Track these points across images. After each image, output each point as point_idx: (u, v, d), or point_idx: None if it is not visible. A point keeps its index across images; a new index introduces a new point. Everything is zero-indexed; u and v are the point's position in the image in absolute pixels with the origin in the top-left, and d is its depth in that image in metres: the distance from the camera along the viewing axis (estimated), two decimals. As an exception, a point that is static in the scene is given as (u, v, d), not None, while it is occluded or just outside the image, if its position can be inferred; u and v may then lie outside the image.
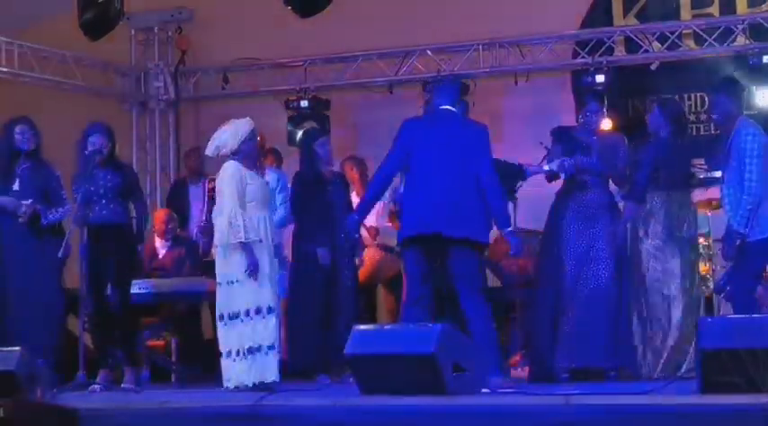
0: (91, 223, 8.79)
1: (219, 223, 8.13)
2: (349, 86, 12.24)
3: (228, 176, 8.12)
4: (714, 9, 11.59)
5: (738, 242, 7.83)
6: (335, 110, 12.28)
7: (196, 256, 10.26)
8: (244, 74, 12.56)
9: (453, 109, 7.93)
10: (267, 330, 8.00)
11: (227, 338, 8.06)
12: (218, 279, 8.17)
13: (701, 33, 11.25)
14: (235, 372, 7.98)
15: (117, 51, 12.39)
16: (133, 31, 12.81)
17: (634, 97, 11.81)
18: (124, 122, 12.33)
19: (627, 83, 11.52)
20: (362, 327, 7.43)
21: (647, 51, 11.43)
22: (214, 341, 8.37)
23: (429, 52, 11.86)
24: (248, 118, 8.34)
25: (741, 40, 11.09)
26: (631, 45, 11.56)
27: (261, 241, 8.05)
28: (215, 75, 12.71)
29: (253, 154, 8.36)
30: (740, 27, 11.09)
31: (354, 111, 12.41)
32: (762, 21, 11.02)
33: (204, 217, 9.70)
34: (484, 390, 7.00)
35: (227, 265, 8.10)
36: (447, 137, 7.78)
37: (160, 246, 10.48)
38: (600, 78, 11.15)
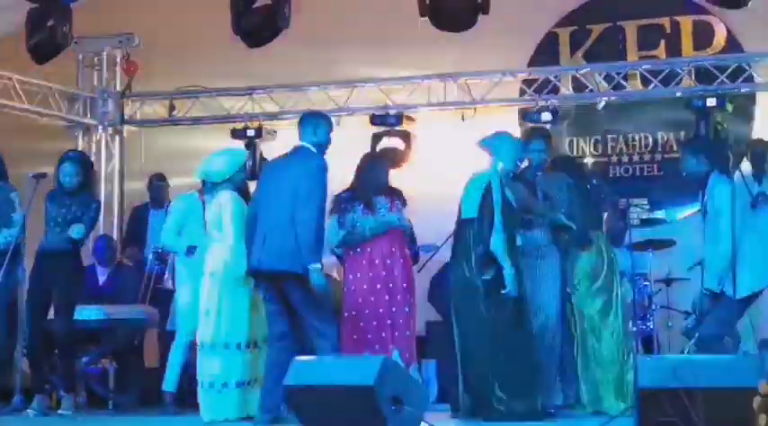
0: (40, 249, 8.75)
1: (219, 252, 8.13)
2: (296, 116, 12.18)
3: (231, 205, 8.16)
4: (660, 51, 11.72)
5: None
6: (281, 139, 12.26)
7: (139, 283, 10.19)
8: (191, 101, 12.51)
9: (308, 144, 7.85)
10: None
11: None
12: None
13: (646, 75, 11.35)
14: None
15: (64, 75, 12.31)
16: (81, 56, 12.73)
17: (579, 136, 11.90)
18: (70, 146, 12.21)
19: (574, 122, 11.59)
20: (302, 358, 7.40)
21: (593, 91, 11.51)
22: (158, 370, 8.31)
23: (376, 85, 11.87)
24: (243, 147, 8.40)
25: (686, 83, 11.20)
26: (578, 84, 11.65)
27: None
28: (161, 101, 12.66)
29: (242, 185, 8.41)
30: (685, 70, 11.21)
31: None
32: (707, 64, 11.14)
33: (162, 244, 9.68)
34: (423, 424, 6.98)
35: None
36: (285, 174, 7.77)
37: (99, 273, 10.39)
38: (546, 116, 11.21)
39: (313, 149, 7.82)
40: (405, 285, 8.85)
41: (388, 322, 8.72)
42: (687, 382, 5.92)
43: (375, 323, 8.69)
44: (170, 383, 8.88)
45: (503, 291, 7.83)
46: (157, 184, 11.21)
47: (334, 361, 7.53)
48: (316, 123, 7.95)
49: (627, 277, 9.98)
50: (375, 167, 9.07)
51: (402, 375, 7.19)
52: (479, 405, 7.84)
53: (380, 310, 8.73)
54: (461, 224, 8.11)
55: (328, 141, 7.95)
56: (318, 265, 7.56)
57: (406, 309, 8.83)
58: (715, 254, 8.12)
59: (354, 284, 8.78)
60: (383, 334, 8.69)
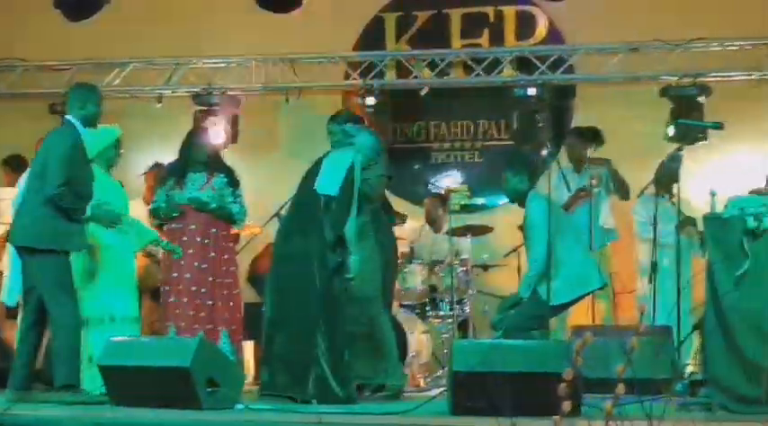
0: None
1: None
2: (118, 94, 12.01)
3: None
4: (483, 40, 11.87)
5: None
6: (103, 117, 12.03)
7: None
8: (9, 74, 12.19)
9: (73, 118, 7.73)
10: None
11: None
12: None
13: (469, 62, 11.49)
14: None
15: None
16: None
17: (402, 122, 11.98)
18: None
19: (397, 107, 11.66)
20: (117, 338, 7.31)
21: (417, 77, 11.59)
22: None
23: (201, 64, 11.76)
24: (118, 125, 8.24)
25: (508, 72, 11.37)
26: (402, 70, 11.72)
27: None
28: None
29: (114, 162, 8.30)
30: (507, 58, 11.37)
31: (122, 120, 12.19)
32: (528, 53, 11.32)
33: None
34: (238, 406, 6.95)
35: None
36: (42, 148, 7.72)
37: None
38: (370, 100, 11.25)
39: (76, 123, 7.70)
40: (223, 268, 8.80)
41: (209, 302, 8.66)
42: (497, 367, 6.01)
43: (196, 300, 8.62)
44: None
45: (347, 276, 7.84)
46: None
47: (149, 342, 7.47)
48: (85, 96, 7.83)
49: (445, 262, 10.14)
50: (192, 143, 9.00)
51: (218, 356, 7.16)
52: (296, 384, 7.66)
53: (201, 289, 8.67)
54: (314, 197, 7.91)
55: (97, 114, 7.84)
56: None
57: (224, 291, 8.78)
58: (530, 266, 8.48)
59: (170, 258, 8.68)
60: (202, 314, 8.63)
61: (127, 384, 6.90)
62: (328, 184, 7.90)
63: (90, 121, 7.78)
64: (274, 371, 7.73)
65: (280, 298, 7.87)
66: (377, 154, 8.26)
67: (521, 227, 8.76)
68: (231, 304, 8.83)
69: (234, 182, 8.99)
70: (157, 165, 10.10)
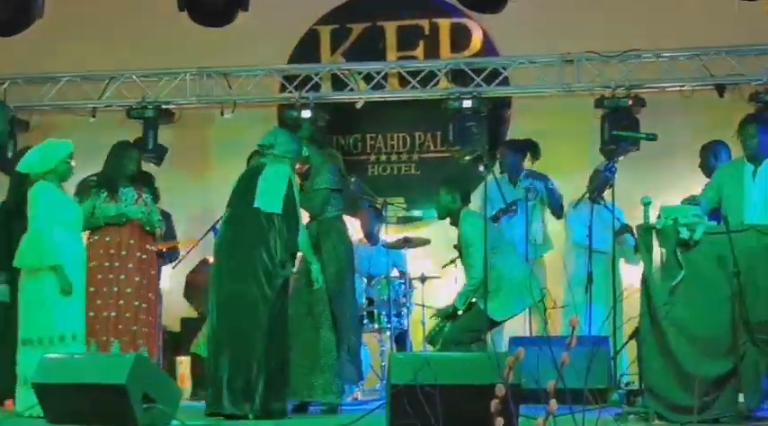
0: None
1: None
2: (51, 108, 11.91)
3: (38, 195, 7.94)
4: (419, 52, 11.89)
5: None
6: (35, 131, 11.95)
7: None
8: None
9: None
10: None
11: None
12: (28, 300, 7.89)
13: (405, 75, 11.50)
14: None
15: None
16: None
17: (338, 134, 11.98)
18: None
19: (333, 120, 11.64)
20: (51, 356, 7.25)
21: (352, 90, 11.60)
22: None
23: (135, 77, 11.68)
24: (68, 140, 8.15)
25: (444, 84, 11.40)
26: (338, 83, 11.71)
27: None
28: None
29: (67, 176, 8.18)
30: (443, 71, 11.40)
31: (55, 133, 12.10)
32: (463, 66, 11.36)
33: None
34: (174, 422, 6.90)
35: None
36: None
37: None
38: (306, 113, 11.23)
39: None
40: (140, 279, 8.74)
41: (127, 315, 8.61)
42: (432, 379, 6.00)
43: (112, 313, 8.58)
44: None
45: (315, 287, 8.00)
46: None
47: (85, 359, 7.40)
48: None
49: (382, 275, 10.15)
50: (123, 156, 8.94)
51: (154, 372, 7.11)
52: (239, 401, 7.61)
53: (119, 301, 8.64)
54: (254, 212, 7.85)
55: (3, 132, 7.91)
56: None
57: (144, 304, 8.73)
58: (468, 282, 8.56)
59: (91, 271, 8.60)
60: (119, 327, 8.58)
61: (63, 402, 6.83)
62: (270, 201, 7.86)
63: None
64: (218, 389, 7.64)
65: (224, 314, 7.79)
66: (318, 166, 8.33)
67: (455, 246, 8.84)
68: (149, 319, 8.79)
69: (156, 198, 9.01)
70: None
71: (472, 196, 8.97)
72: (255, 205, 7.85)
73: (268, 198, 7.86)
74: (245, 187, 7.99)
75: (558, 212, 10.36)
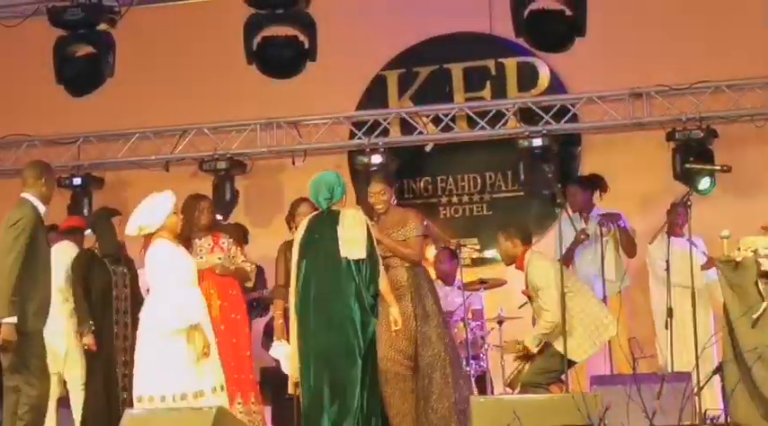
0: None
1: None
2: (124, 164, 12.06)
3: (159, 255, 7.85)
4: (486, 93, 11.88)
5: None
6: (109, 188, 12.10)
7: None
8: (14, 150, 12.23)
9: (27, 195, 7.84)
10: None
11: None
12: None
13: (473, 116, 11.49)
14: None
15: None
16: None
17: (409, 178, 11.98)
18: None
19: (403, 164, 11.66)
20: (134, 411, 7.28)
21: (421, 133, 11.61)
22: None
23: (206, 130, 11.79)
24: (170, 190, 8.08)
25: (512, 123, 11.38)
26: (406, 126, 11.73)
27: None
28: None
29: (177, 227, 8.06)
30: (511, 110, 11.38)
31: (129, 189, 12.26)
32: (531, 104, 11.33)
33: None
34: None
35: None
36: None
37: None
38: (376, 158, 11.26)
39: (30, 199, 7.79)
40: (225, 327, 8.73)
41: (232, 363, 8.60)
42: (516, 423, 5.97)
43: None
44: None
45: (394, 328, 7.98)
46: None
47: (168, 412, 7.41)
48: (44, 173, 7.94)
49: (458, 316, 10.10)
50: (192, 208, 8.95)
51: (235, 424, 7.10)
52: None
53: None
54: (342, 263, 7.82)
55: (50, 191, 7.98)
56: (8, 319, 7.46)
57: (248, 352, 8.77)
58: (541, 324, 8.50)
59: None
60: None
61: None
62: (354, 249, 7.87)
63: (45, 198, 7.89)
64: None
65: (323, 367, 7.76)
66: None
67: (523, 292, 8.80)
68: (250, 366, 8.82)
69: (245, 241, 9.00)
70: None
71: (546, 235, 8.93)
72: (342, 254, 7.84)
73: (352, 245, 7.85)
74: (324, 236, 8.00)
75: (630, 251, 10.23)
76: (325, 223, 8.00)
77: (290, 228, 8.92)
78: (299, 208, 8.97)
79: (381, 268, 7.97)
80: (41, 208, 7.78)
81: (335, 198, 8.03)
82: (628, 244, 10.19)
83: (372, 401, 7.74)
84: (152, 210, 7.90)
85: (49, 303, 7.73)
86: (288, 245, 8.63)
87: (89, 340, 8.96)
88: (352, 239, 7.84)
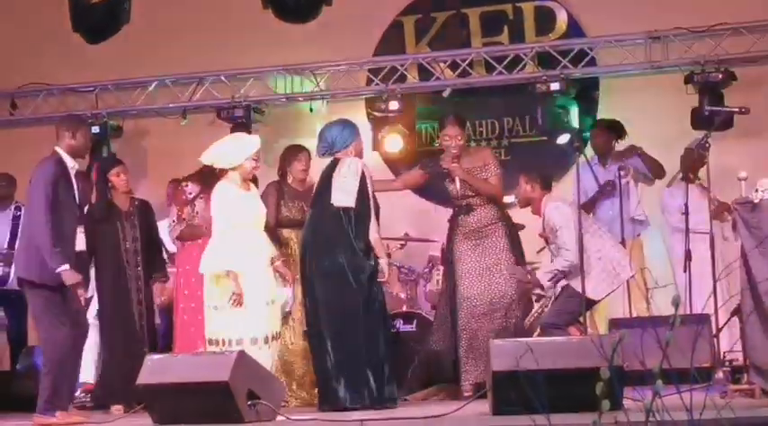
0: None
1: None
2: (141, 112, 12.08)
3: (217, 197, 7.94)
4: (504, 38, 11.82)
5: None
6: (128, 136, 12.12)
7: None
8: (32, 99, 12.25)
9: (59, 149, 7.68)
10: None
11: None
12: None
13: (490, 61, 11.45)
14: None
15: None
16: None
17: (427, 123, 11.96)
18: None
19: (420, 109, 11.64)
20: (155, 356, 7.34)
21: (438, 79, 11.58)
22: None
23: (223, 78, 11.78)
24: (257, 135, 8.13)
25: (530, 68, 11.33)
26: (424, 72, 11.70)
27: None
28: (2, 100, 12.35)
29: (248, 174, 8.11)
30: (528, 55, 11.33)
31: (147, 138, 12.29)
32: (549, 49, 11.28)
33: (6, 245, 9.69)
34: (279, 417, 6.96)
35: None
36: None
37: None
38: (393, 105, 11.25)
39: (58, 152, 7.67)
40: None
41: None
42: (534, 364, 5.98)
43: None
44: None
45: (380, 279, 7.96)
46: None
47: (187, 358, 7.48)
48: (74, 127, 7.82)
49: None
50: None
51: (256, 369, 7.15)
52: (353, 392, 7.78)
53: None
54: (332, 212, 7.96)
55: (86, 144, 7.91)
56: (63, 267, 7.42)
57: None
58: (558, 263, 8.56)
59: (183, 276, 8.70)
60: None
61: (167, 402, 6.90)
62: (341, 195, 7.92)
63: (79, 151, 7.84)
64: (329, 386, 7.84)
65: (323, 316, 7.92)
66: None
67: (541, 235, 8.81)
68: None
69: None
70: (175, 180, 10.14)
71: (563, 180, 8.95)
72: (330, 200, 7.94)
73: (339, 192, 7.94)
74: (326, 184, 8.06)
75: (658, 172, 10.27)
76: (328, 172, 8.08)
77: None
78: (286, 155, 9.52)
79: (373, 219, 7.99)
80: (69, 162, 7.70)
81: (336, 147, 8.08)
82: (653, 166, 10.22)
83: (380, 348, 7.84)
84: (235, 147, 7.98)
85: (74, 257, 7.74)
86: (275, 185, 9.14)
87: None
88: (340, 186, 7.94)
